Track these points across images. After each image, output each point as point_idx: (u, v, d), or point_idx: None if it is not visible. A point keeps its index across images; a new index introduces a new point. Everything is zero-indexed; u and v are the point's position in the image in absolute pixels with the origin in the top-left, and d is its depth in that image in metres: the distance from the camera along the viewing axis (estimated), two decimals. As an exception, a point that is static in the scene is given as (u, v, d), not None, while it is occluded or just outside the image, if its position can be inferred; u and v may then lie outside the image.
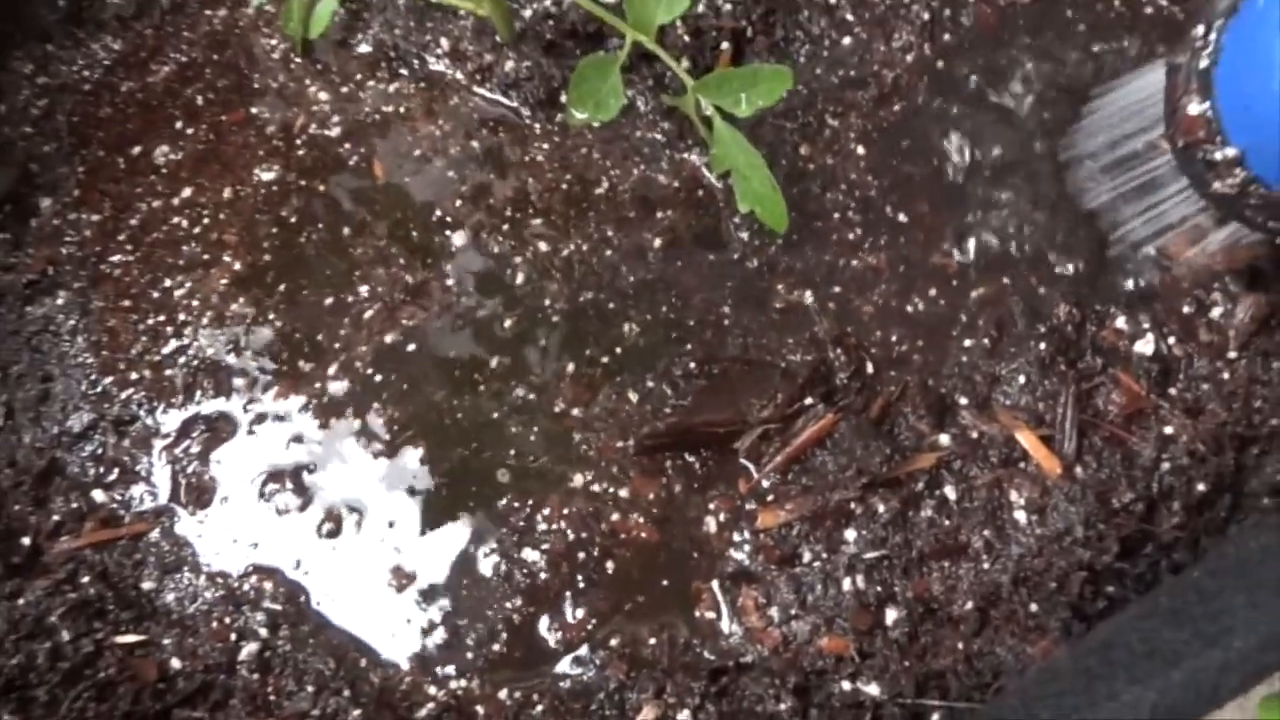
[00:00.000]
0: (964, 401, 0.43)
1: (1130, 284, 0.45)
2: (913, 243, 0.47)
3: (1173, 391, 0.42)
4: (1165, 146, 0.38)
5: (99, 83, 0.58)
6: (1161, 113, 0.38)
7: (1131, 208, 0.43)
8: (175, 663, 0.42)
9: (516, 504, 0.44)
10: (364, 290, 0.50)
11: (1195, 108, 0.35)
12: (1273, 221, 0.36)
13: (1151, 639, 0.28)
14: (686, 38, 0.53)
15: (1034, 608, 0.38)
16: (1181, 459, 0.40)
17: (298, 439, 0.48)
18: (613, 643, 0.41)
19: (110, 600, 0.43)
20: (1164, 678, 0.27)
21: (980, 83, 0.51)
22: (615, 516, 0.43)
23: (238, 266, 0.51)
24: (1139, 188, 0.42)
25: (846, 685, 0.37)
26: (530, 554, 0.43)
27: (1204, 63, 0.35)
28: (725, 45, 0.53)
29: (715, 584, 0.41)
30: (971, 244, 0.47)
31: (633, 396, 0.45)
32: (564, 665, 0.40)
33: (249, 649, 0.42)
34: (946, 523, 0.40)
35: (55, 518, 0.46)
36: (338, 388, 0.48)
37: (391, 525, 0.45)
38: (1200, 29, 0.36)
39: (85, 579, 0.44)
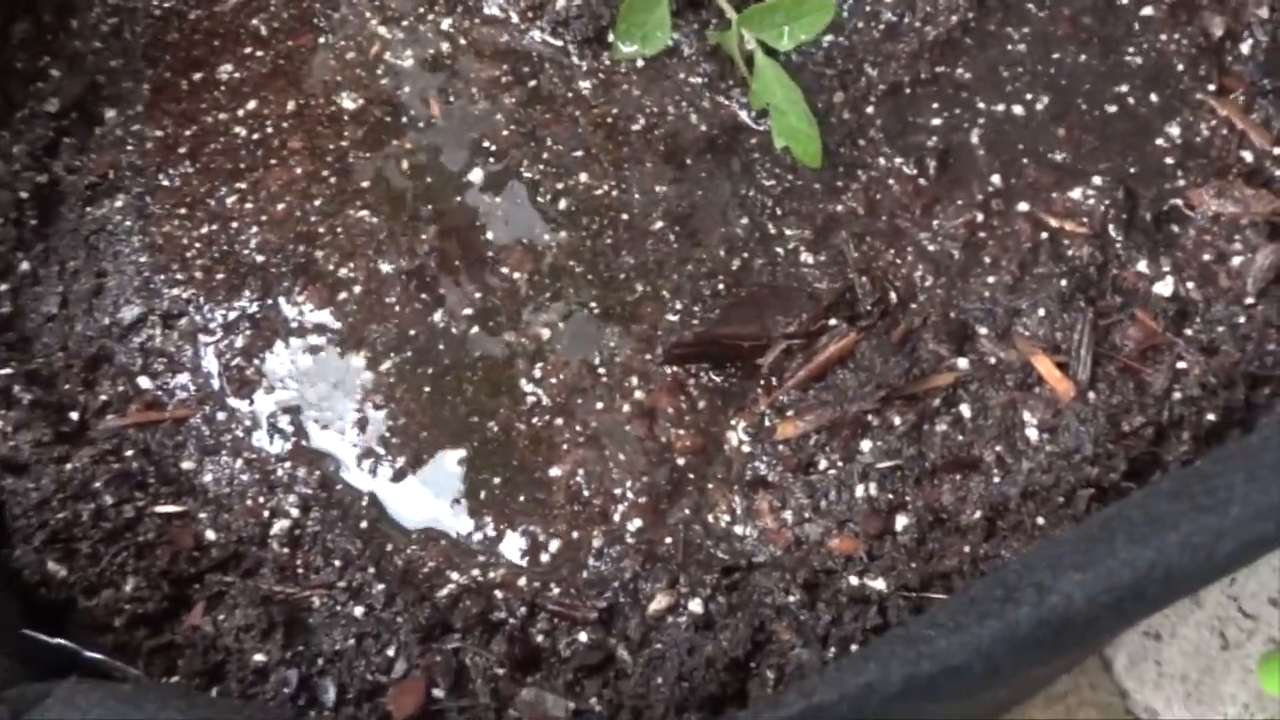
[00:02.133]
0: (983, 331, 0.44)
1: (1154, 230, 0.46)
2: (942, 186, 0.49)
3: (1189, 331, 0.43)
4: None
5: (168, 9, 0.60)
6: None
7: None
8: (210, 534, 0.44)
9: (542, 405, 0.45)
10: (408, 208, 0.52)
11: None
12: None
13: (1151, 510, 0.29)
14: (731, -14, 0.55)
15: (1040, 520, 0.39)
16: (1193, 390, 0.41)
17: (337, 340, 0.49)
18: (629, 539, 0.42)
19: (151, 475, 0.45)
20: (1161, 539, 0.28)
21: (1020, 45, 0.53)
22: (639, 423, 0.44)
23: (297, 172, 0.53)
24: None
25: (854, 580, 0.39)
26: (551, 456, 0.45)
27: None
28: (769, -5, 0.55)
29: (733, 489, 0.43)
30: (999, 190, 0.49)
31: (665, 315, 0.47)
32: (583, 558, 0.42)
33: (280, 526, 0.44)
34: (960, 438, 0.41)
35: (103, 398, 0.48)
36: (379, 303, 0.50)
37: (421, 425, 0.47)
38: None
39: (129, 453, 0.46)
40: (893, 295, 0.45)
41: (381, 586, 0.41)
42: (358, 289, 0.51)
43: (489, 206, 0.52)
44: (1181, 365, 0.42)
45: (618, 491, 0.43)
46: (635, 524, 0.42)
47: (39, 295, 0.52)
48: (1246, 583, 0.54)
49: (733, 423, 0.44)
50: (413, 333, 0.49)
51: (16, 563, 0.40)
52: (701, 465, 0.43)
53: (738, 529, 0.41)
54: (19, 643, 0.36)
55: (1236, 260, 0.45)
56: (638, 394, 0.45)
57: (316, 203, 0.53)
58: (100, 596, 0.40)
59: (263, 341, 0.50)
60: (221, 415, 0.48)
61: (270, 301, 0.51)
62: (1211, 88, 0.50)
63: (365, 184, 0.53)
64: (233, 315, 0.51)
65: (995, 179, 0.49)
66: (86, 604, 0.40)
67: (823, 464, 0.42)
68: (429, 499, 0.45)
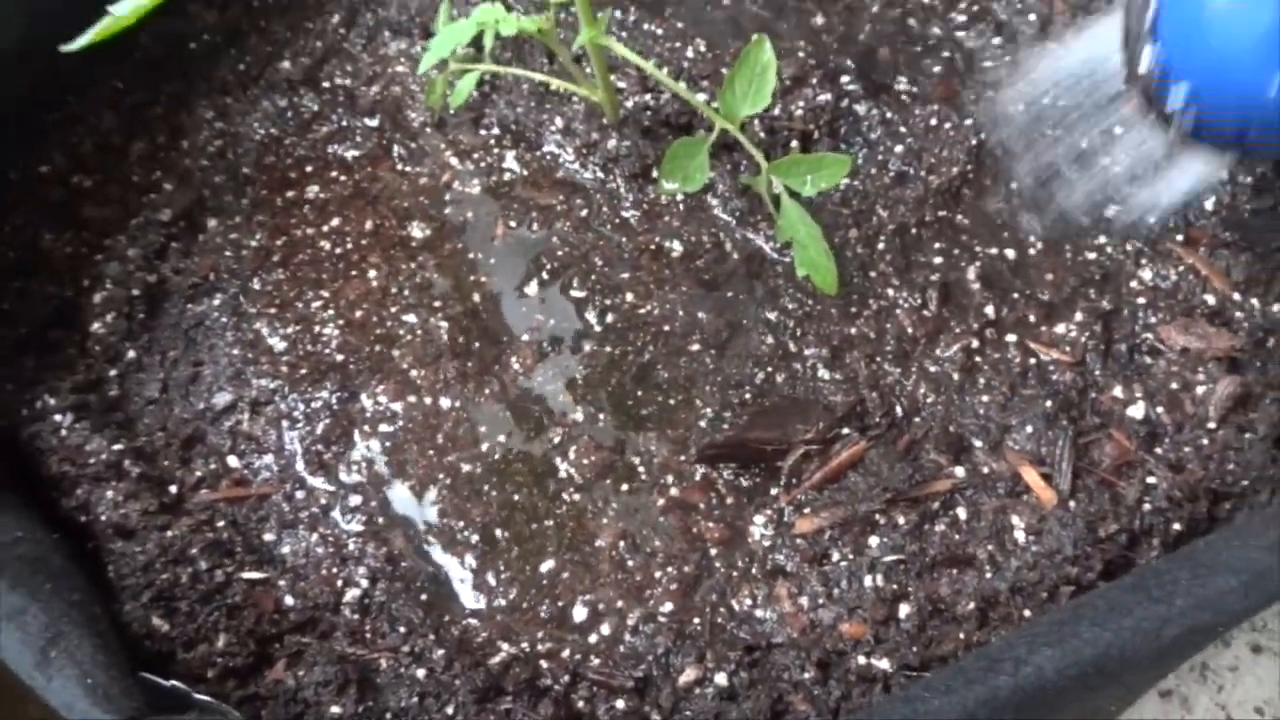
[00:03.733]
0: (978, 443, 0.50)
1: (1129, 360, 0.53)
2: (942, 316, 0.56)
3: (1159, 450, 0.49)
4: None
5: (266, 134, 0.69)
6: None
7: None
8: (289, 599, 0.49)
9: (585, 499, 0.51)
10: (472, 316, 0.59)
11: (1148, 55, 0.42)
12: (1207, 133, 0.43)
13: (1112, 600, 0.34)
14: (762, 134, 0.63)
15: (1027, 612, 0.44)
16: (1161, 502, 0.47)
17: (405, 431, 0.56)
18: (661, 618, 0.47)
19: (238, 544, 0.51)
20: (1118, 623, 0.33)
21: (1015, 194, 0.60)
22: (672, 515, 0.50)
23: (374, 284, 0.61)
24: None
25: (862, 660, 0.44)
26: (595, 543, 0.50)
27: (1151, 10, 0.42)
28: (794, 144, 0.63)
29: (755, 577, 0.48)
30: (993, 321, 0.55)
31: (697, 421, 0.53)
32: (621, 634, 0.47)
33: (351, 594, 0.49)
34: (956, 537, 0.47)
35: (198, 474, 0.54)
36: (444, 400, 0.57)
37: (477, 511, 0.53)
38: None
39: (219, 524, 0.52)
40: (899, 409, 0.51)
41: (441, 652, 0.47)
42: (425, 387, 0.57)
43: (543, 318, 0.59)
44: (1151, 480, 0.48)
45: (654, 575, 0.48)
46: (668, 605, 0.48)
47: (143, 381, 0.59)
48: (1234, 691, 0.58)
49: (756, 518, 0.50)
50: (471, 429, 0.56)
51: (125, 617, 0.45)
52: (727, 554, 0.49)
53: (759, 612, 0.47)
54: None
55: (1200, 389, 0.51)
56: (672, 490, 0.51)
57: (392, 309, 0.60)
58: (196, 650, 0.45)
59: (340, 430, 0.56)
60: (300, 494, 0.54)
61: (348, 395, 0.57)
62: (1179, 239, 0.57)
63: (435, 294, 0.61)
64: (314, 405, 0.57)
65: (989, 311, 0.55)
66: (184, 656, 0.45)
67: (835, 556, 0.47)
68: (482, 577, 0.50)
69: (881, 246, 0.59)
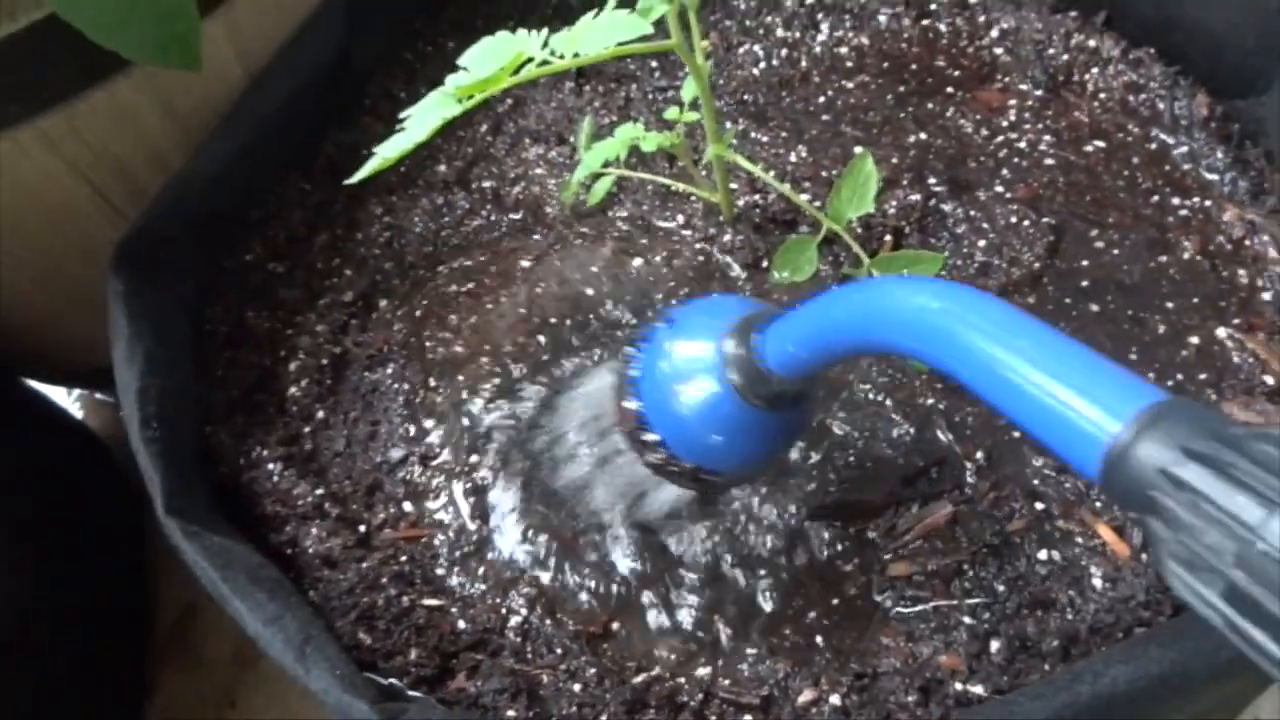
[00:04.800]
0: (1057, 501, 0.57)
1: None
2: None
3: (1222, 512, 0.56)
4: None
5: (425, 226, 0.81)
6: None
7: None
8: (461, 624, 0.58)
9: (718, 549, 0.60)
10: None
11: (629, 404, 0.50)
12: (690, 483, 0.51)
13: (1176, 628, 0.41)
14: (859, 229, 0.73)
15: (1104, 649, 0.50)
16: (1224, 558, 0.53)
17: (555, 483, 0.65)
18: (786, 646, 0.55)
19: (417, 575, 0.61)
20: (1180, 646, 0.40)
21: (1085, 282, 0.68)
22: (792, 562, 0.58)
23: (512, 368, 0.71)
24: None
25: (959, 686, 0.51)
26: (731, 582, 0.59)
27: (633, 372, 0.50)
28: (888, 238, 0.72)
29: (861, 616, 0.56)
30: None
31: (808, 480, 0.61)
32: (746, 659, 0.55)
33: (514, 620, 0.58)
34: (1041, 584, 0.54)
35: (380, 516, 0.64)
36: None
37: (620, 551, 0.61)
38: (630, 348, 0.51)
39: (402, 558, 0.61)
40: (983, 474, 0.59)
41: (593, 670, 0.55)
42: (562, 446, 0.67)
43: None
44: (1215, 538, 0.54)
45: (779, 615, 0.56)
46: (791, 637, 0.56)
47: (331, 437, 0.69)
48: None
49: (863, 566, 0.58)
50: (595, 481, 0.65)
51: (337, 631, 0.55)
52: (840, 599, 0.57)
53: (865, 641, 0.54)
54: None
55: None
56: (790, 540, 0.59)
57: (526, 384, 0.70)
58: (394, 661, 0.55)
59: (496, 481, 0.66)
60: (464, 535, 0.64)
61: (499, 452, 0.67)
62: (1237, 322, 0.64)
63: (570, 361, 0.70)
64: (473, 459, 0.67)
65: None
66: (384, 665, 0.54)
67: (931, 599, 0.55)
68: (622, 608, 0.59)
69: (967, 329, 0.67)
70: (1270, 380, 0.61)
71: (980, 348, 0.36)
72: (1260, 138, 0.74)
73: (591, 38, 0.46)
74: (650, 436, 0.50)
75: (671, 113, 0.70)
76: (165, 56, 0.62)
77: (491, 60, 0.48)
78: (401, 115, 0.50)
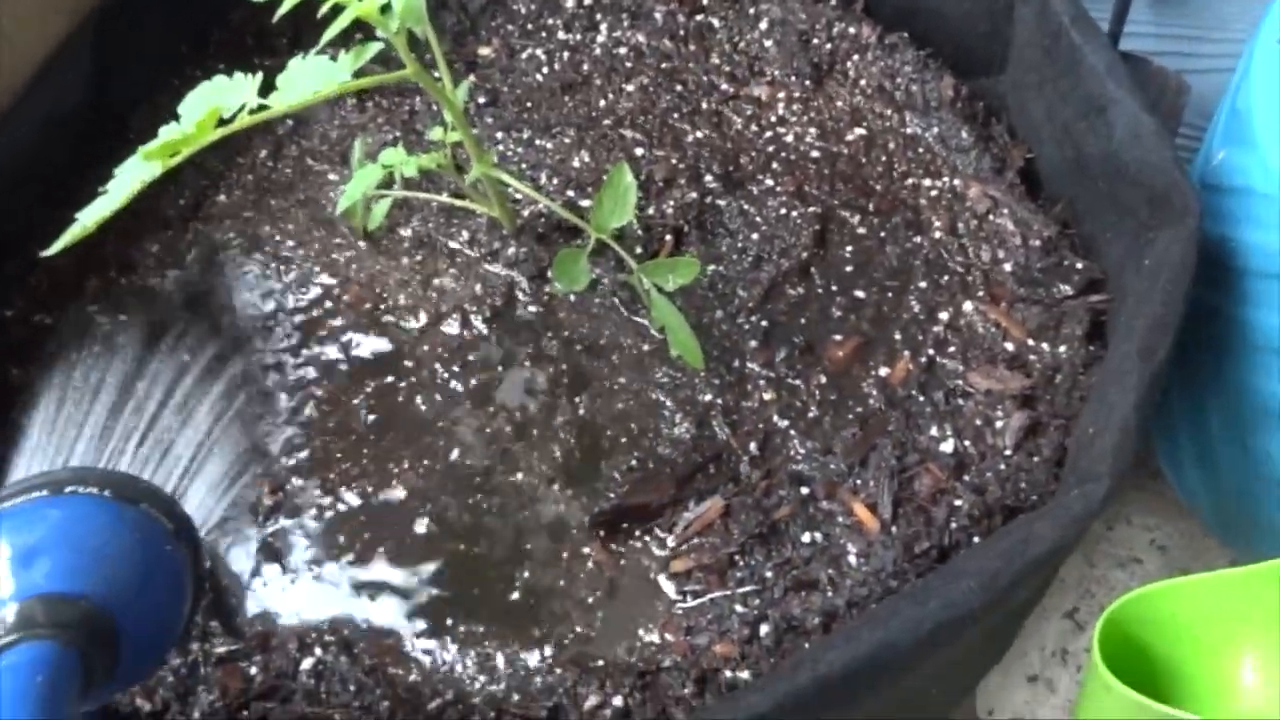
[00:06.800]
0: (820, 485, 0.61)
1: (943, 405, 0.64)
2: (794, 380, 0.67)
3: (965, 478, 0.60)
4: None
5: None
6: None
7: None
8: (253, 670, 0.58)
9: (513, 571, 0.61)
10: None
11: None
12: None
13: (891, 606, 0.45)
14: (640, 232, 0.74)
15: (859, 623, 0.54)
16: (965, 521, 0.58)
17: (346, 519, 0.65)
18: (571, 656, 0.57)
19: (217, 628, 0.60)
20: (888, 624, 0.43)
21: (842, 283, 0.72)
22: (573, 570, 0.60)
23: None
24: None
25: (729, 674, 0.53)
26: (513, 599, 0.60)
27: None
28: (668, 238, 0.74)
29: (645, 614, 0.58)
30: (835, 379, 0.66)
31: (590, 485, 0.63)
32: (537, 673, 0.57)
33: (306, 664, 0.58)
34: (804, 566, 0.57)
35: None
36: (394, 494, 0.66)
37: (411, 581, 0.62)
38: None
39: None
40: (755, 463, 0.62)
41: (387, 704, 0.56)
42: (337, 478, 0.67)
43: (470, 384, 0.69)
44: (958, 503, 0.59)
45: (560, 621, 0.58)
46: (576, 646, 0.57)
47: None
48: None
49: (645, 567, 0.60)
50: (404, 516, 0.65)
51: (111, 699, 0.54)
52: (623, 598, 0.59)
53: (648, 639, 0.56)
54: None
55: (999, 424, 0.62)
56: (573, 548, 0.61)
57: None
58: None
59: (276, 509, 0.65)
60: (266, 588, 0.63)
61: (305, 510, 0.66)
62: (981, 294, 0.69)
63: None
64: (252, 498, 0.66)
65: (823, 379, 0.66)
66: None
67: (709, 592, 0.57)
68: (417, 635, 0.59)
69: (742, 322, 0.69)
70: (1010, 347, 0.66)
71: None
72: (1002, 113, 0.79)
73: (295, 85, 0.46)
74: None
75: (435, 133, 0.70)
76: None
77: (206, 109, 0.47)
78: (117, 171, 0.49)
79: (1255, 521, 0.70)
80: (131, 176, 0.44)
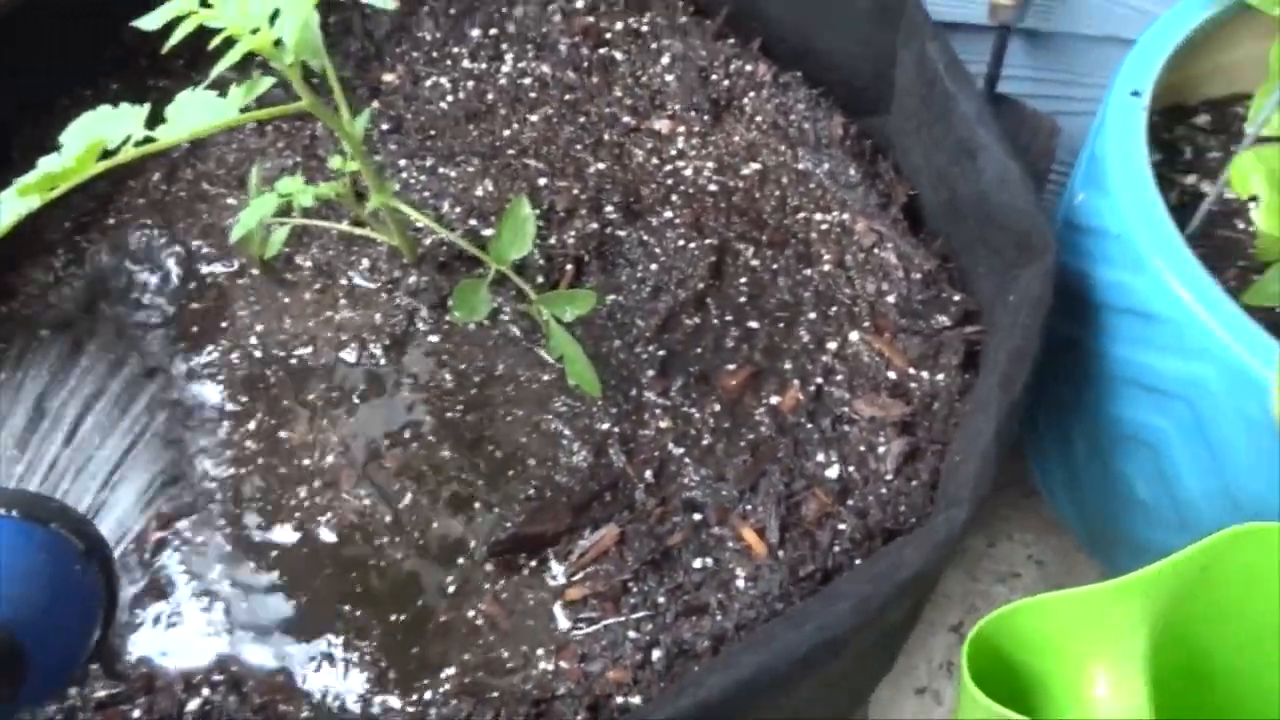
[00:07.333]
0: (712, 511, 0.62)
1: (831, 430, 0.66)
2: (689, 409, 0.68)
3: (849, 502, 0.63)
4: None
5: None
6: None
7: None
8: (135, 714, 0.57)
9: (408, 602, 0.61)
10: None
11: None
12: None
13: (771, 630, 0.47)
14: (541, 261, 0.76)
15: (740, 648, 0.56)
16: (847, 544, 0.60)
17: (235, 555, 0.64)
18: (467, 685, 0.57)
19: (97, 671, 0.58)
20: (768, 647, 0.45)
21: (742, 297, 0.74)
22: (470, 600, 0.61)
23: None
24: None
25: (622, 699, 0.55)
26: (414, 634, 0.60)
27: None
28: (569, 267, 0.76)
29: (542, 643, 0.59)
30: (726, 409, 0.69)
31: (487, 514, 0.64)
32: (434, 704, 0.57)
33: (193, 705, 0.57)
34: (694, 591, 0.59)
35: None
36: (284, 526, 0.65)
37: (302, 615, 0.61)
38: None
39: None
40: (649, 491, 0.64)
41: (274, 738, 0.55)
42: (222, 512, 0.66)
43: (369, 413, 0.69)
44: (842, 526, 0.62)
45: (458, 650, 0.59)
46: (473, 675, 0.58)
47: None
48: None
49: (541, 595, 0.61)
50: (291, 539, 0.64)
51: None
52: (519, 627, 0.59)
53: (542, 668, 0.57)
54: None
55: (881, 449, 0.65)
56: (469, 578, 0.61)
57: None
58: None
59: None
60: (149, 624, 0.62)
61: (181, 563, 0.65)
62: (867, 325, 0.72)
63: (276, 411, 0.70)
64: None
65: (717, 407, 0.68)
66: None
67: (602, 618, 0.58)
68: (308, 670, 0.59)
69: (639, 351, 0.71)
70: (893, 375, 0.69)
71: None
72: (889, 151, 0.83)
73: (183, 118, 0.45)
74: None
75: (335, 161, 0.70)
76: None
77: (88, 141, 0.47)
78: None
79: (1118, 538, 0.74)
80: (7, 209, 0.43)
